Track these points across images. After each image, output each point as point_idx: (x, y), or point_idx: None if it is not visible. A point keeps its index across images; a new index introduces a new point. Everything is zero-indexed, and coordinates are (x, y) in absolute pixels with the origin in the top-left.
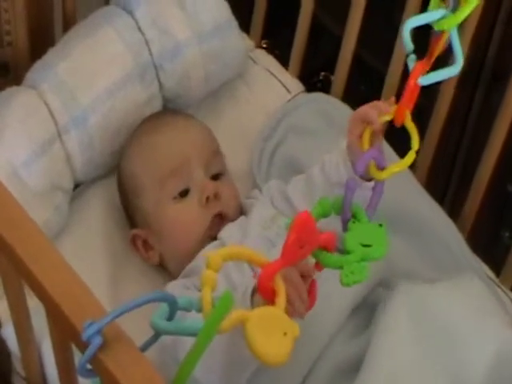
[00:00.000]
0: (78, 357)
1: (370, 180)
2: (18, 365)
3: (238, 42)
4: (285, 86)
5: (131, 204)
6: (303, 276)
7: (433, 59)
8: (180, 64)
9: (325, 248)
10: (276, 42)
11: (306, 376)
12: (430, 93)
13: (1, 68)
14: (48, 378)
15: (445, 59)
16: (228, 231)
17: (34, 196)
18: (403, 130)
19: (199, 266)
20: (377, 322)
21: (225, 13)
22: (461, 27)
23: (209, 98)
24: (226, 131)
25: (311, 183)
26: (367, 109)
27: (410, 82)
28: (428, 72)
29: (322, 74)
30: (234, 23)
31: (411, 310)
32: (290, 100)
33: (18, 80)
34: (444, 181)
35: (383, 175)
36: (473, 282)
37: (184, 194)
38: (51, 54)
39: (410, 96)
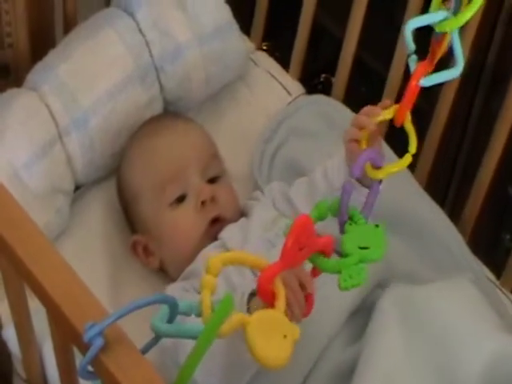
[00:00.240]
0: (78, 359)
1: (367, 186)
2: (18, 366)
3: (238, 44)
4: (285, 88)
5: (131, 210)
6: (301, 284)
7: (435, 61)
8: (181, 66)
9: (323, 252)
10: (277, 44)
11: (305, 378)
12: (430, 96)
13: (1, 70)
14: (49, 380)
15: (446, 61)
16: (229, 232)
17: (35, 198)
18: (404, 132)
19: (198, 268)
20: (370, 323)
21: (225, 15)
22: (461, 30)
23: (209, 100)
24: (227, 133)
25: (314, 188)
26: (358, 116)
27: (412, 83)
28: (429, 74)
29: (323, 76)
30: (235, 25)
31: (402, 310)
32: (290, 102)
33: (18, 82)
34: (444, 184)
35: (379, 175)
36: (465, 284)
37: (181, 199)
38: (52, 56)
39: (411, 97)
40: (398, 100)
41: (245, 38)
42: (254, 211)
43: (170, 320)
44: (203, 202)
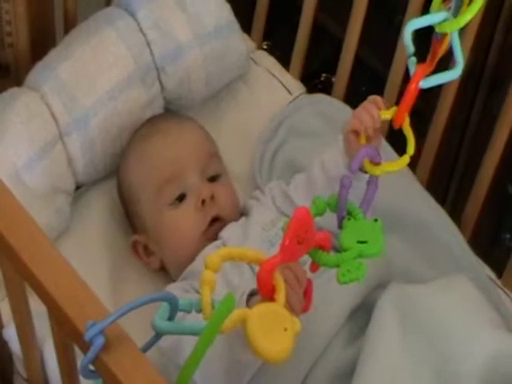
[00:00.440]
0: (79, 358)
1: (366, 172)
2: (19, 366)
3: (239, 43)
4: (286, 88)
5: (131, 210)
6: (297, 279)
7: (435, 62)
8: (181, 66)
9: (321, 247)
10: (277, 43)
11: (305, 377)
12: (430, 97)
13: (2, 69)
14: (50, 379)
15: (445, 63)
16: (229, 231)
17: (36, 198)
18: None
19: (198, 268)
20: (370, 322)
21: (226, 14)
22: (461, 31)
23: (210, 99)
24: (227, 133)
25: (312, 183)
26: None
27: (411, 86)
28: (429, 75)
29: (324, 75)
30: (236, 25)
31: (402, 309)
32: (291, 102)
33: (19, 81)
34: (445, 183)
35: (376, 171)
36: (465, 283)
37: (181, 199)
38: (52, 56)
39: (410, 99)
40: (398, 99)
41: (245, 37)
42: (254, 211)
43: (170, 318)
44: (203, 201)
